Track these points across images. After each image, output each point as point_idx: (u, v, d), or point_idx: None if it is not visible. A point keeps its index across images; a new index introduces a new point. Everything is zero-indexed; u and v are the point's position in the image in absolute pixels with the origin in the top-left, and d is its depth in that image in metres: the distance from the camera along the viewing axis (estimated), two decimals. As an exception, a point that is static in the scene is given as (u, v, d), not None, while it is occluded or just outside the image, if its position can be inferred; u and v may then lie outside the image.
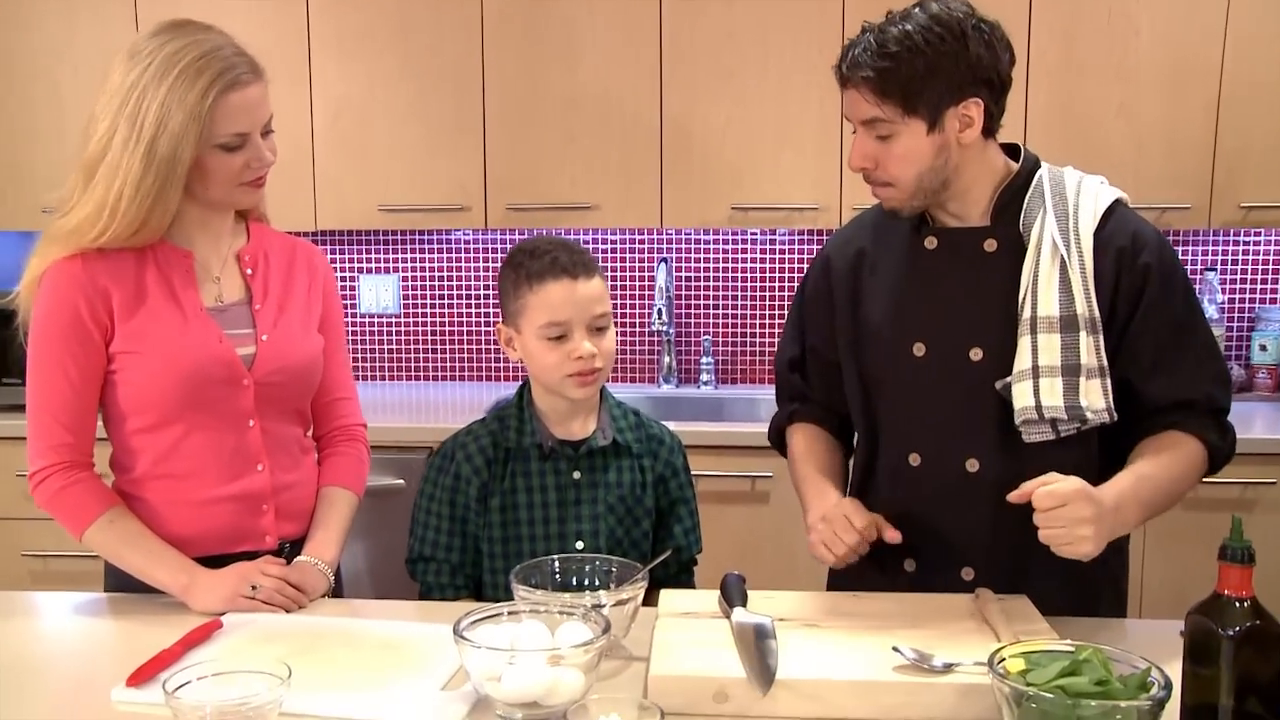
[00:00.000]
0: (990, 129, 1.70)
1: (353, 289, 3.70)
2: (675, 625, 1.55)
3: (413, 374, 3.75)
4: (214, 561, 1.79)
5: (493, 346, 3.68)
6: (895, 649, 1.41)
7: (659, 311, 3.42)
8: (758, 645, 1.43)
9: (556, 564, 1.64)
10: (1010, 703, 1.23)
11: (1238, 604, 1.24)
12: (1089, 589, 1.75)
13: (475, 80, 3.23)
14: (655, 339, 3.63)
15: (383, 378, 3.76)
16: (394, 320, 3.72)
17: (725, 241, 3.59)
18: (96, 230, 1.69)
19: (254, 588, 1.72)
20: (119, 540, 1.76)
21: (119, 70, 1.69)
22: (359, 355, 3.75)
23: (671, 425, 3.23)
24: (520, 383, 1.97)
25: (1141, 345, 1.68)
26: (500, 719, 1.38)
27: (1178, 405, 1.69)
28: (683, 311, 3.63)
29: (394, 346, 3.74)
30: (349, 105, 3.28)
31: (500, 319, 1.91)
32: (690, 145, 3.21)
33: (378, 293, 3.69)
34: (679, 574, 2.00)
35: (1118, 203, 1.73)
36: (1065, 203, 1.70)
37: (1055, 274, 1.66)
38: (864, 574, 1.77)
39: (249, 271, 1.87)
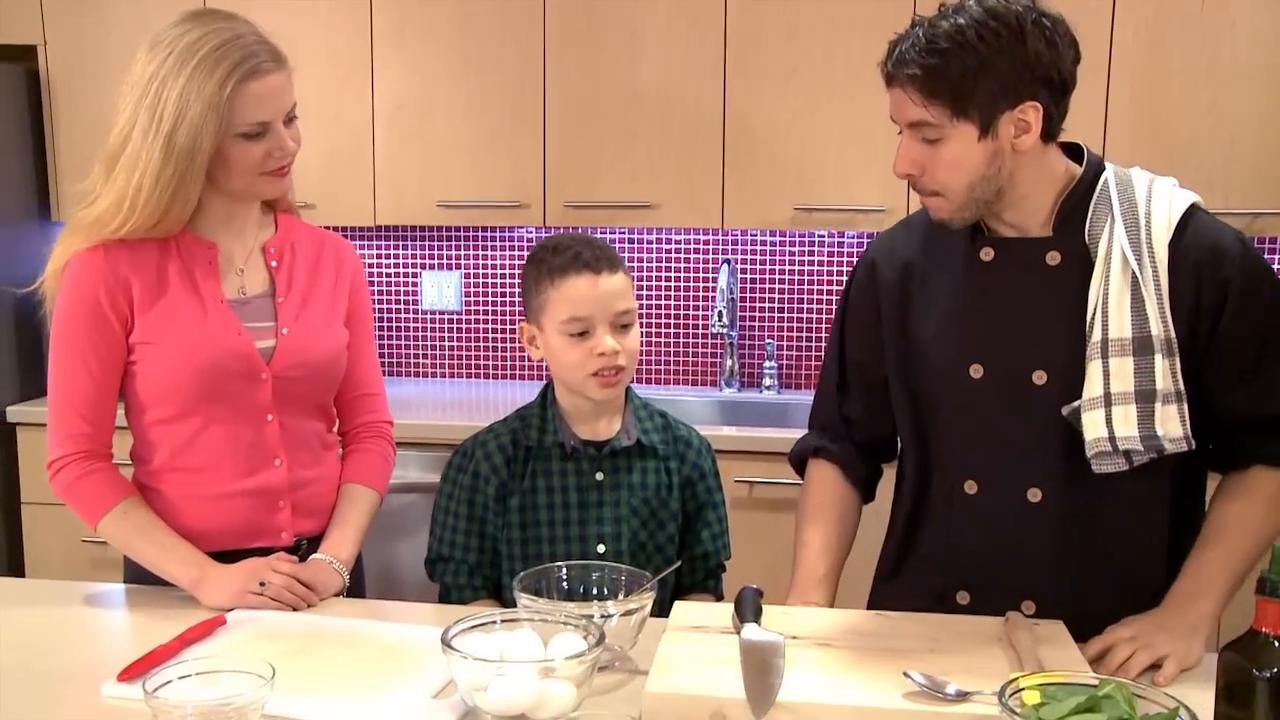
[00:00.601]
0: (1050, 132, 1.57)
1: (415, 285, 3.70)
2: (681, 639, 1.48)
3: (473, 371, 3.72)
4: (230, 557, 1.77)
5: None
6: (906, 674, 1.32)
7: (719, 314, 3.34)
8: (762, 665, 1.35)
9: (565, 571, 1.58)
10: (1019, 739, 1.14)
11: (1276, 643, 1.13)
12: None
13: (536, 76, 3.20)
14: (717, 342, 3.56)
15: (443, 375, 3.74)
16: (456, 317, 3.71)
17: (790, 243, 3.49)
18: (117, 221, 1.68)
19: (262, 584, 1.69)
20: (132, 531, 1.75)
21: (140, 61, 1.68)
22: (421, 352, 3.74)
23: (732, 431, 3.21)
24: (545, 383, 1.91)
25: (1223, 358, 1.56)
26: (488, 731, 1.33)
27: (1268, 422, 1.57)
28: (746, 314, 3.55)
29: (455, 343, 3.72)
30: (409, 100, 3.27)
31: (523, 317, 1.87)
32: (753, 143, 3.13)
33: (440, 289, 3.68)
34: (706, 580, 1.93)
35: (1194, 208, 1.59)
36: (1135, 209, 1.57)
37: (1127, 291, 1.53)
38: (913, 604, 1.66)
39: (274, 264, 1.84)
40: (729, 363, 3.52)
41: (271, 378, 1.78)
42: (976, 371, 1.63)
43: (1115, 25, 2.94)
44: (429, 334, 3.73)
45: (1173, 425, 1.52)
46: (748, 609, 1.51)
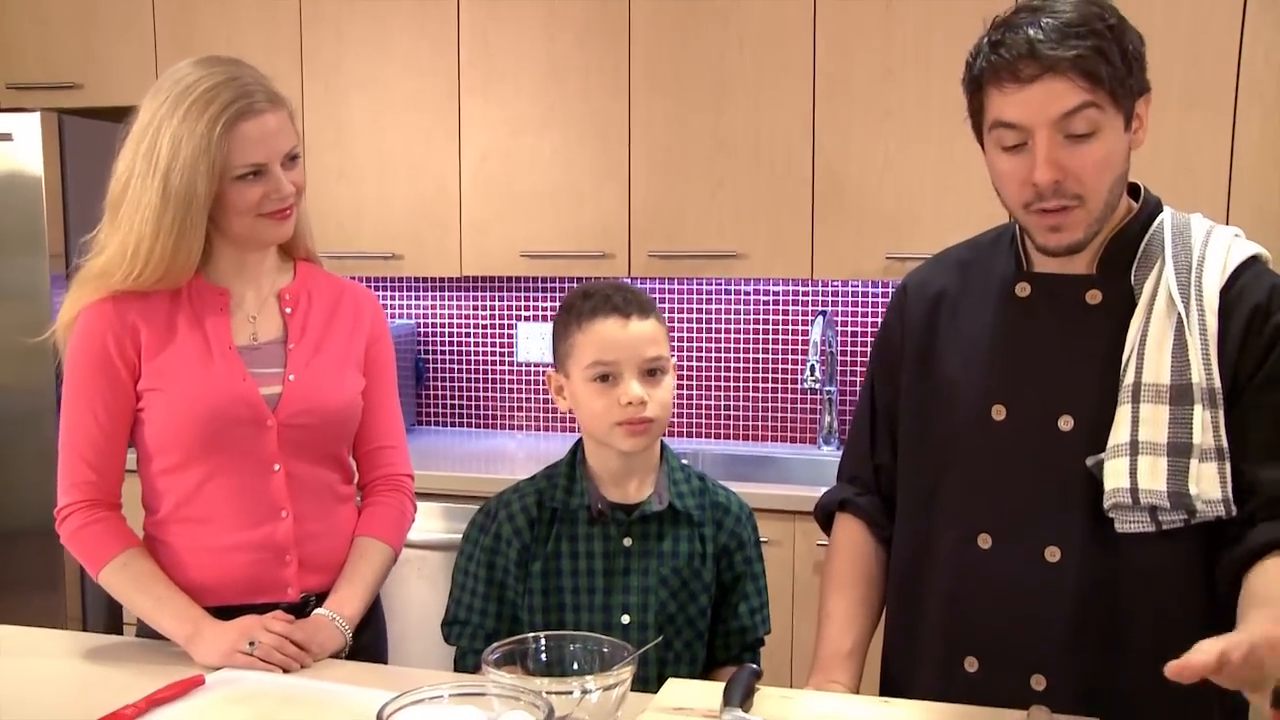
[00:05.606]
0: None
1: (510, 338, 3.66)
2: (657, 722, 1.35)
3: (570, 425, 3.65)
4: (235, 612, 1.72)
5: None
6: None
7: (811, 368, 3.18)
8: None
9: (543, 642, 1.46)
10: None
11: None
12: (1197, 706, 1.40)
13: (621, 124, 3.13)
14: (816, 398, 3.39)
15: (539, 428, 3.68)
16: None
17: (887, 295, 3.31)
18: (123, 271, 1.67)
19: (252, 644, 1.63)
20: (131, 583, 1.71)
21: (143, 108, 1.67)
22: (517, 404, 3.69)
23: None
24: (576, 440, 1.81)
25: (1255, 419, 1.36)
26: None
27: None
28: (847, 369, 3.38)
29: (551, 397, 3.65)
30: (495, 150, 3.24)
31: (553, 366, 1.78)
32: (844, 189, 2.99)
33: (534, 341, 3.63)
34: (743, 654, 1.78)
35: (1255, 259, 1.43)
36: (1189, 254, 1.41)
37: (1169, 334, 1.37)
38: (916, 670, 1.50)
39: (288, 310, 1.81)
40: (827, 419, 3.36)
41: (277, 425, 1.74)
42: (999, 413, 1.47)
43: (1244, 50, 2.70)
44: (525, 387, 3.68)
45: (1210, 485, 1.32)
46: (735, 691, 1.37)
